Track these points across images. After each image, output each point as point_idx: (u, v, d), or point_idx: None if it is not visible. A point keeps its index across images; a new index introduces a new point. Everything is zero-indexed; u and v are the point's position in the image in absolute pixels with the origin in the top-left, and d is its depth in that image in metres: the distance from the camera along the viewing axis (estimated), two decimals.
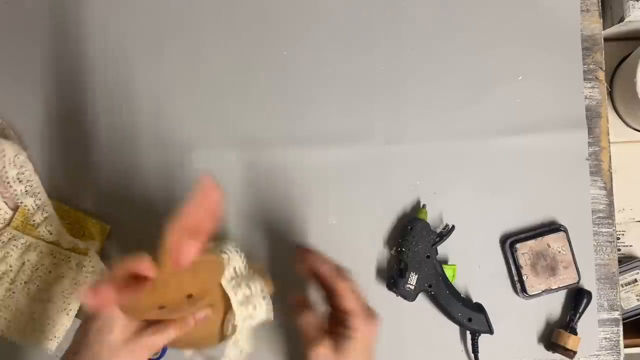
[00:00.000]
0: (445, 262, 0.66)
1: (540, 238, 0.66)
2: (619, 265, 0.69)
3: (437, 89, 0.68)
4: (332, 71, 0.68)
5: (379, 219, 0.67)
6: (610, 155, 0.69)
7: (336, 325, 0.52)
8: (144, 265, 0.44)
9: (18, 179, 0.64)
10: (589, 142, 0.69)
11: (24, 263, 0.63)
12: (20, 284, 0.62)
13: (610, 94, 0.86)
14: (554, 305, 0.67)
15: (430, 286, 0.63)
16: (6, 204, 0.65)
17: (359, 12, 0.69)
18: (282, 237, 0.67)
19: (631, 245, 0.96)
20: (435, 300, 0.64)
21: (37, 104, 0.67)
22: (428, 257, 0.63)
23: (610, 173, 0.69)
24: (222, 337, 0.52)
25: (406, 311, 0.66)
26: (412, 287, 0.63)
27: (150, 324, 0.48)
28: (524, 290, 0.66)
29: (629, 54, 0.83)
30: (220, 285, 0.51)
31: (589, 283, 0.67)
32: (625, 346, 0.70)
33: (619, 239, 0.95)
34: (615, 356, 0.68)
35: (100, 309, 0.46)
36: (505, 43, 0.69)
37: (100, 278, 0.53)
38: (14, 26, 0.68)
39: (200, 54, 0.68)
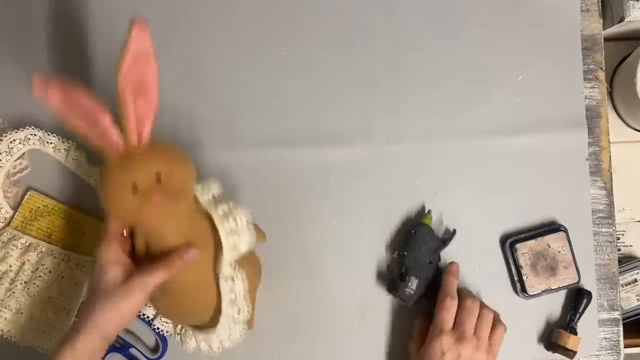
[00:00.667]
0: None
1: (540, 238, 0.66)
2: (619, 265, 0.69)
3: (437, 89, 0.68)
4: (332, 71, 0.68)
5: (379, 219, 0.67)
6: (610, 155, 0.69)
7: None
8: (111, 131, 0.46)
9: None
10: (589, 142, 0.69)
11: (24, 263, 0.63)
12: (21, 284, 0.62)
13: (610, 94, 0.86)
14: (554, 305, 0.67)
15: (429, 292, 0.63)
16: (8, 203, 0.65)
17: (359, 12, 0.69)
18: (282, 237, 0.67)
19: (631, 245, 0.96)
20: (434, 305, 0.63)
21: (37, 104, 0.67)
22: (430, 262, 0.63)
23: (610, 173, 0.69)
24: (217, 278, 0.53)
25: (405, 313, 0.66)
26: (412, 292, 0.62)
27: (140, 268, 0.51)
28: (524, 290, 0.66)
29: (629, 54, 0.83)
30: (208, 228, 0.52)
31: (589, 283, 0.67)
32: (625, 346, 0.70)
33: (619, 239, 0.95)
34: (615, 356, 0.68)
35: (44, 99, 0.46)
36: (505, 43, 0.69)
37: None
38: (17, 27, 0.68)
39: (200, 54, 0.68)
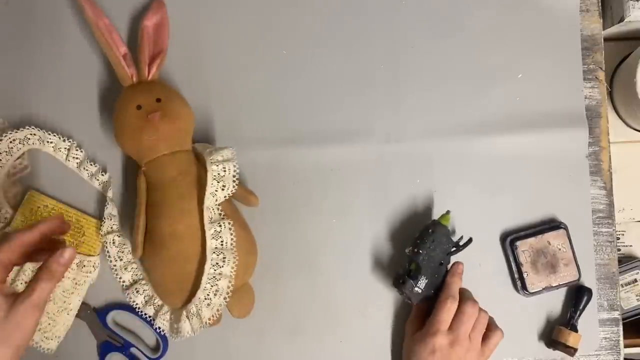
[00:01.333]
0: None
1: (540, 235, 0.66)
2: (619, 265, 0.69)
3: (436, 88, 0.68)
4: (331, 70, 0.68)
5: (379, 218, 0.67)
6: (610, 155, 0.69)
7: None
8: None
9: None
10: (589, 142, 0.69)
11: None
12: (21, 284, 0.62)
13: (610, 94, 0.86)
14: (555, 302, 0.67)
15: (435, 292, 0.62)
16: (8, 203, 0.65)
17: (359, 11, 0.69)
18: (282, 237, 0.67)
19: (631, 245, 0.96)
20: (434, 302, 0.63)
21: (37, 104, 0.67)
22: (441, 264, 0.62)
23: (610, 173, 0.69)
24: (203, 227, 0.58)
25: (405, 312, 0.66)
26: (420, 291, 0.61)
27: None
28: (524, 287, 0.66)
29: (629, 54, 0.83)
30: (202, 178, 0.58)
31: (589, 280, 0.67)
32: (625, 346, 0.70)
33: (619, 239, 0.95)
34: (615, 356, 0.68)
35: None
36: (504, 42, 0.69)
37: None
38: (17, 27, 0.68)
39: (199, 54, 0.68)
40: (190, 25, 0.68)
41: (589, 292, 0.66)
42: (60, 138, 0.65)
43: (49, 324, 0.63)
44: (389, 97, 0.68)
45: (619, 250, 0.94)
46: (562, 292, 0.67)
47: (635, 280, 0.93)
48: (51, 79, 0.67)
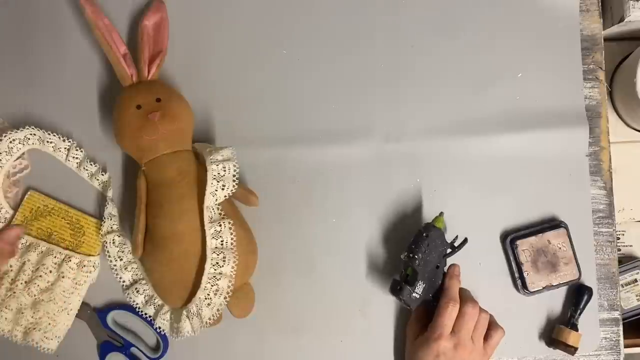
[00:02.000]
0: None
1: (540, 234, 0.66)
2: (619, 265, 0.69)
3: (436, 87, 0.68)
4: (331, 70, 0.68)
5: (379, 217, 0.67)
6: (610, 155, 0.69)
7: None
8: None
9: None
10: (589, 142, 0.69)
11: (24, 263, 0.63)
12: (21, 283, 0.62)
13: (610, 94, 0.86)
14: (555, 301, 0.67)
15: (434, 296, 0.62)
16: (8, 203, 0.65)
17: (358, 10, 0.69)
18: (282, 236, 0.67)
19: (631, 245, 0.96)
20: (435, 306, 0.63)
21: (37, 104, 0.67)
22: (437, 267, 0.62)
23: (610, 173, 0.69)
24: (204, 227, 0.58)
25: (406, 312, 0.66)
26: (418, 296, 0.61)
27: None
28: (524, 286, 0.66)
29: (629, 54, 0.83)
30: (202, 180, 0.58)
31: (589, 279, 0.67)
32: (625, 346, 0.70)
33: (619, 239, 0.95)
34: (615, 356, 0.68)
35: None
36: (504, 41, 0.69)
37: None
38: (16, 27, 0.68)
39: (199, 54, 0.68)
40: (190, 24, 0.68)
41: (589, 291, 0.66)
42: (60, 138, 0.65)
43: (49, 324, 0.63)
44: (388, 96, 0.68)
45: (619, 250, 0.94)
46: (563, 291, 0.67)
47: (635, 280, 0.93)
48: (51, 79, 0.67)
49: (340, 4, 0.69)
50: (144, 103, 0.59)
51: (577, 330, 0.65)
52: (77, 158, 0.65)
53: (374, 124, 0.68)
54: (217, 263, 0.58)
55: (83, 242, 0.65)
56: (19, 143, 0.64)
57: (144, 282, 0.64)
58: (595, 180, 0.69)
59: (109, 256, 0.64)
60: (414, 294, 0.61)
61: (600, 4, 0.70)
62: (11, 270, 0.63)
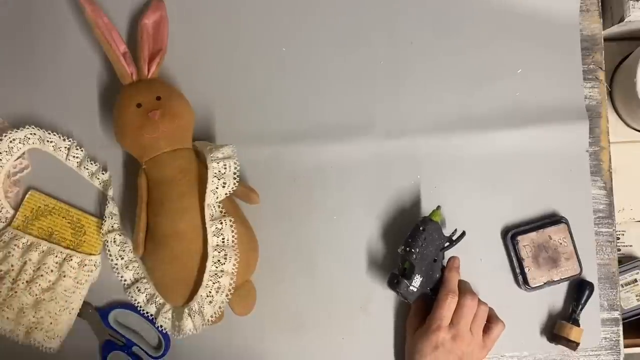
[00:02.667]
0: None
1: (541, 230, 0.66)
2: (619, 265, 0.69)
3: (436, 83, 0.68)
4: (331, 67, 0.68)
5: (380, 213, 0.67)
6: (610, 155, 0.70)
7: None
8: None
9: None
10: (589, 142, 0.69)
11: (25, 262, 0.63)
12: (22, 283, 0.62)
13: (610, 94, 0.87)
14: (556, 297, 0.67)
15: (432, 290, 0.62)
16: (9, 203, 0.65)
17: (357, 7, 0.69)
18: (282, 234, 0.67)
19: (631, 245, 0.96)
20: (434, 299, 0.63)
21: (37, 104, 0.67)
22: (435, 260, 0.62)
23: (610, 173, 0.69)
24: (205, 225, 0.58)
25: (408, 308, 0.66)
26: (415, 290, 0.61)
27: None
28: (526, 282, 0.66)
29: (629, 54, 0.83)
30: (203, 178, 0.58)
31: (590, 274, 0.68)
32: (625, 346, 0.70)
33: (619, 239, 0.95)
34: (615, 356, 0.68)
35: None
36: (504, 39, 0.69)
37: None
38: (16, 27, 0.68)
39: (197, 51, 0.68)
40: (189, 23, 0.68)
41: (590, 286, 0.66)
42: (60, 137, 0.65)
43: (51, 323, 0.63)
44: (388, 93, 0.68)
45: (619, 250, 0.95)
46: (564, 286, 0.68)
47: (635, 280, 0.93)
48: (51, 79, 0.67)
49: (340, 1, 0.69)
50: (144, 101, 0.59)
51: (578, 325, 0.65)
52: (77, 157, 0.65)
53: (374, 121, 0.68)
54: (219, 261, 0.58)
55: (84, 241, 0.65)
56: (19, 143, 0.64)
57: (145, 280, 0.64)
58: (595, 180, 0.69)
59: (110, 255, 0.64)
60: (411, 287, 0.61)
61: (600, 4, 0.71)
62: (12, 270, 0.63)
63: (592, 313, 0.67)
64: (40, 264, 0.63)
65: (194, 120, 0.63)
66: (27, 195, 0.65)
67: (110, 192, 0.65)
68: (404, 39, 0.69)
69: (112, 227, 0.64)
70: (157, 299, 0.63)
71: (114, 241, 0.64)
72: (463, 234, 0.64)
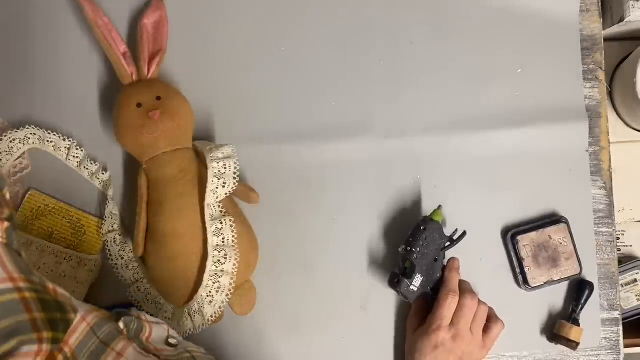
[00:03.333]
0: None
1: (541, 230, 0.66)
2: (619, 265, 0.69)
3: (436, 83, 0.69)
4: (331, 67, 0.69)
5: (380, 213, 0.67)
6: (610, 155, 0.69)
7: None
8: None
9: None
10: (588, 142, 0.69)
11: None
12: None
13: (610, 94, 0.87)
14: (556, 296, 0.68)
15: (432, 289, 0.63)
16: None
17: (357, 7, 0.69)
18: (282, 234, 0.67)
19: (631, 245, 0.96)
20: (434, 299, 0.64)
21: (37, 104, 0.67)
22: (435, 260, 0.62)
23: (610, 173, 0.69)
24: (204, 225, 0.58)
25: (408, 307, 0.66)
26: (416, 289, 0.61)
27: None
28: (526, 282, 0.66)
29: (629, 54, 0.83)
30: (203, 178, 0.59)
31: (590, 274, 0.68)
32: (625, 346, 0.70)
33: (619, 239, 0.95)
34: (615, 356, 0.68)
35: None
36: (504, 39, 0.69)
37: None
38: (16, 27, 0.68)
39: (197, 52, 0.68)
40: (189, 23, 0.68)
41: (590, 286, 0.66)
42: (60, 137, 0.65)
43: None
44: (388, 93, 0.68)
45: (619, 250, 0.95)
46: (564, 286, 0.68)
47: (635, 280, 0.93)
48: (51, 79, 0.67)
49: (339, 1, 0.69)
50: (144, 101, 0.60)
51: (578, 325, 0.65)
52: (77, 157, 0.65)
53: (374, 120, 0.68)
54: (219, 260, 0.58)
55: (84, 241, 0.65)
56: (19, 143, 0.64)
57: (145, 280, 0.63)
58: (595, 180, 0.69)
59: (110, 255, 0.64)
60: (411, 287, 0.61)
61: (600, 4, 0.71)
62: None
63: (592, 313, 0.67)
64: (40, 264, 0.63)
65: (193, 120, 0.63)
66: (27, 195, 0.65)
67: (110, 192, 0.65)
68: (404, 39, 0.69)
69: (112, 227, 0.64)
70: (157, 299, 0.63)
71: (114, 241, 0.64)
72: (464, 233, 0.64)
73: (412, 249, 0.61)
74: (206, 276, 0.57)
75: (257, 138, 0.67)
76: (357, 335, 0.66)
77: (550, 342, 0.66)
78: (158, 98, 0.60)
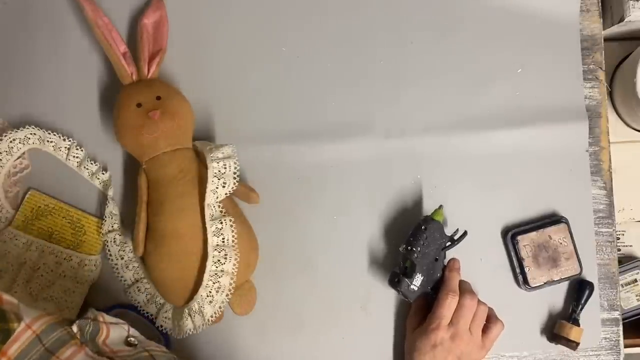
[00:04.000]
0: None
1: (541, 230, 0.66)
2: (619, 265, 0.69)
3: (436, 83, 0.69)
4: (331, 67, 0.69)
5: (380, 214, 0.67)
6: (610, 155, 0.70)
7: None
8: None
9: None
10: (588, 142, 0.69)
11: (25, 262, 0.63)
12: (22, 282, 0.62)
13: (610, 94, 0.87)
14: (556, 297, 0.68)
15: (432, 289, 0.63)
16: (9, 203, 0.65)
17: (358, 6, 0.69)
18: (282, 234, 0.67)
19: (631, 245, 0.96)
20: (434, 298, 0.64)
21: (37, 104, 0.67)
22: (436, 259, 0.62)
23: (610, 173, 0.69)
24: (204, 224, 0.58)
25: (409, 307, 0.66)
26: (416, 288, 0.61)
27: None
28: (526, 282, 0.66)
29: (629, 54, 0.83)
30: (204, 178, 0.59)
31: (590, 274, 0.68)
32: (625, 346, 0.70)
33: (619, 239, 0.95)
34: (615, 356, 0.68)
35: None
36: (504, 39, 0.69)
37: None
38: (16, 27, 0.68)
39: (198, 51, 0.68)
40: (189, 23, 0.68)
41: (590, 286, 0.66)
42: (60, 137, 0.65)
43: None
44: (388, 93, 0.68)
45: (619, 250, 0.95)
46: (564, 286, 0.68)
47: (635, 280, 0.93)
48: (51, 79, 0.67)
49: (339, 1, 0.69)
50: (144, 101, 0.60)
51: (578, 325, 0.65)
52: (77, 157, 0.65)
53: (374, 120, 0.68)
54: (219, 260, 0.58)
55: (84, 241, 0.65)
56: (19, 143, 0.64)
57: (145, 280, 0.64)
58: (595, 180, 0.69)
59: (110, 255, 0.64)
60: (411, 286, 0.61)
61: (600, 4, 0.71)
62: (12, 269, 0.63)
63: (592, 313, 0.67)
64: (40, 264, 0.63)
65: (193, 120, 0.63)
66: (27, 195, 0.65)
67: (110, 192, 0.65)
68: (404, 39, 0.69)
69: (112, 227, 0.64)
70: (157, 299, 0.63)
71: (114, 241, 0.64)
72: (465, 233, 0.64)
73: (413, 248, 0.61)
74: (206, 276, 0.57)
75: (257, 138, 0.67)
76: (357, 335, 0.66)
77: (550, 342, 0.66)
78: (158, 98, 0.60)
